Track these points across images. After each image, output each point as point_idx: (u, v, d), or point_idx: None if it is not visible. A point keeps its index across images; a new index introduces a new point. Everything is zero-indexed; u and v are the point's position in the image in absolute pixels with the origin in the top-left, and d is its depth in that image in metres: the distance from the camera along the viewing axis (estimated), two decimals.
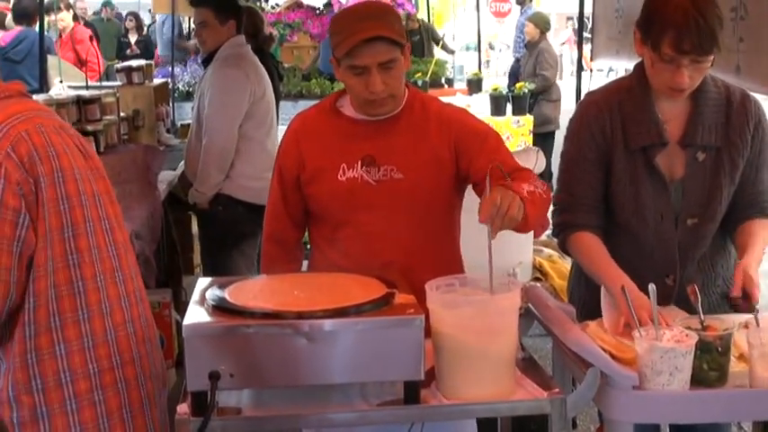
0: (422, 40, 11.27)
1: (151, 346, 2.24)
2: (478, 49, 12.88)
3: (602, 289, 2.59)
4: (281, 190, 2.80)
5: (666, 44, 2.49)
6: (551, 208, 2.82)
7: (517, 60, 12.38)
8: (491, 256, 2.19)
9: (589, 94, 2.94)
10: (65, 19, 9.51)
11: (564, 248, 2.85)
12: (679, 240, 2.70)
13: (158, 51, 12.19)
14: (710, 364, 2.26)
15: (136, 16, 13.68)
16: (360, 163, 2.67)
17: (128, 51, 12.54)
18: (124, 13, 15.15)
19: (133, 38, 13.25)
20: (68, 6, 9.50)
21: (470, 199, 3.80)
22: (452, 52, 12.91)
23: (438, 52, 11.24)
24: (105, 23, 13.60)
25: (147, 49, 12.87)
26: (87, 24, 11.88)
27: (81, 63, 8.36)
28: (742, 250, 2.67)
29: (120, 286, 2.16)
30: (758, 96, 2.87)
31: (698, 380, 2.26)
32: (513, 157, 2.71)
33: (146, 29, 14.27)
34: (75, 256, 2.04)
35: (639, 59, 2.75)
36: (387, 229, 2.66)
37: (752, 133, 2.70)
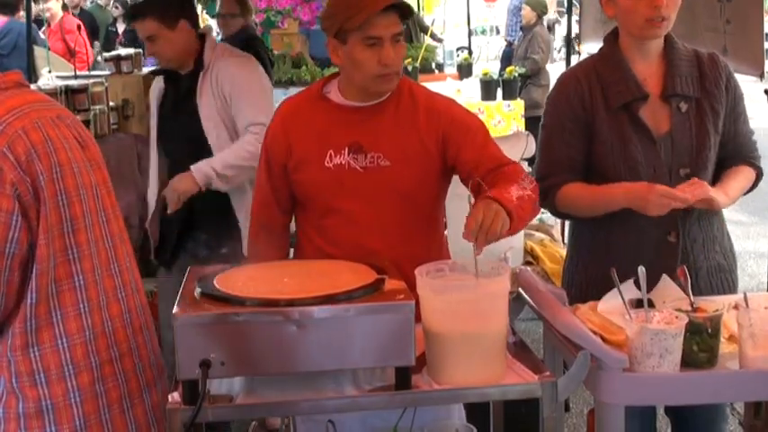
0: (408, 28, 11.25)
1: (149, 334, 2.25)
2: (468, 33, 12.87)
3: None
4: (269, 176, 2.80)
5: None
6: (535, 177, 2.83)
7: (509, 44, 12.37)
8: (477, 267, 2.20)
9: (565, 71, 3.04)
10: (53, 8, 9.46)
11: (555, 211, 2.90)
12: None
13: None
14: (700, 345, 2.27)
15: (123, 3, 12.67)
16: (347, 150, 2.66)
17: (116, 42, 11.66)
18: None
19: (121, 27, 12.23)
20: None
21: (461, 185, 3.79)
22: (441, 41, 12.87)
23: (426, 40, 11.23)
24: (103, 11, 13.00)
25: (136, 38, 12.03)
26: (83, 13, 11.71)
27: (71, 53, 8.34)
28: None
29: (117, 278, 2.16)
30: (745, 78, 2.91)
31: (688, 361, 2.26)
32: (500, 149, 2.71)
33: None
34: (75, 251, 2.05)
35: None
36: (373, 216, 2.67)
37: (725, 84, 2.82)
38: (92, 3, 12.89)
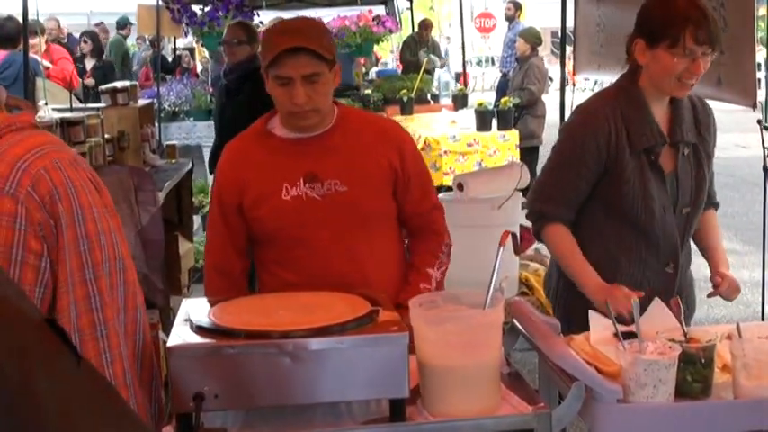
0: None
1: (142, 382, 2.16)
2: (463, 65, 12.94)
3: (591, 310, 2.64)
4: (223, 219, 2.81)
5: (689, 38, 2.75)
6: (530, 194, 3.07)
7: (504, 75, 12.44)
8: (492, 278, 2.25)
9: (587, 104, 3.07)
10: (37, 42, 9.51)
11: (538, 236, 3.05)
12: (678, 229, 2.96)
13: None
14: (694, 375, 2.27)
15: (92, 37, 12.14)
16: (302, 180, 2.71)
17: (83, 79, 10.70)
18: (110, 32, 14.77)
19: (90, 63, 11.58)
20: (42, 30, 9.48)
21: (459, 216, 3.85)
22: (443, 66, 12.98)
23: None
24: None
25: (105, 76, 10.63)
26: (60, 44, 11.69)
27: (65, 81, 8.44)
28: (711, 250, 3.11)
29: (121, 327, 2.09)
30: (736, 108, 2.97)
31: (682, 392, 2.27)
32: (434, 188, 2.98)
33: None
34: (98, 299, 1.95)
35: (620, 73, 2.99)
36: (337, 242, 2.72)
37: (713, 130, 3.05)
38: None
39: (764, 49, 12.92)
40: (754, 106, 3.83)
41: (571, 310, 2.95)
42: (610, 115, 2.91)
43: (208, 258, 2.91)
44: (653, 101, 2.92)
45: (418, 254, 2.89)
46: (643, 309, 2.53)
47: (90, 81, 10.62)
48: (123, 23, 13.90)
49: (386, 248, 2.84)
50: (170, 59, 14.62)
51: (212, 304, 2.26)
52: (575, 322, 2.74)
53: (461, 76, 12.88)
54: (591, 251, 2.96)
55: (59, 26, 12.06)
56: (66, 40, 12.22)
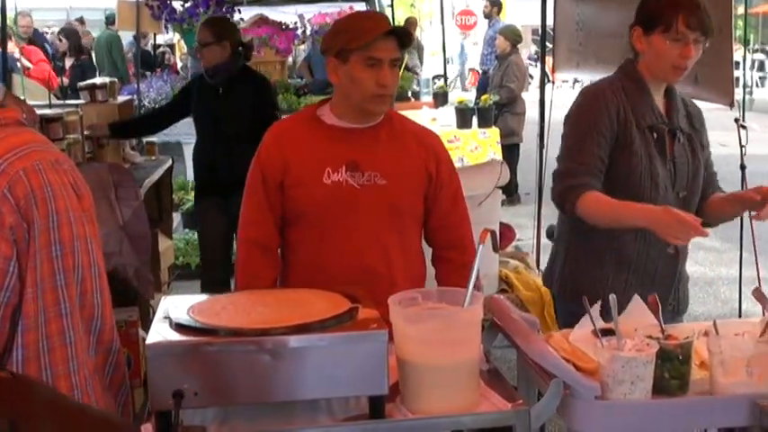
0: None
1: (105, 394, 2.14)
2: (444, 62, 12.95)
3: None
4: (265, 193, 2.86)
5: (681, 22, 2.91)
6: (554, 180, 3.07)
7: (485, 73, 12.46)
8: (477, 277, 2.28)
9: (592, 86, 3.22)
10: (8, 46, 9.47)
11: (571, 213, 3.00)
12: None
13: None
14: (672, 372, 2.28)
15: (68, 34, 11.84)
16: (344, 167, 2.78)
17: (61, 79, 10.51)
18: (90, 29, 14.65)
19: (69, 62, 11.37)
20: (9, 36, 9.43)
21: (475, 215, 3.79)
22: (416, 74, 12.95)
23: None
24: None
25: (84, 75, 10.30)
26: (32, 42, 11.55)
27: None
28: (727, 198, 3.16)
29: (93, 336, 2.07)
30: (715, 106, 3.00)
31: (660, 389, 2.28)
32: (466, 210, 2.99)
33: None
34: (67, 305, 1.91)
35: (599, 71, 2.96)
36: (369, 232, 2.80)
37: (702, 122, 3.20)
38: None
39: (742, 48, 13.02)
40: (731, 105, 3.86)
41: (579, 293, 2.92)
42: (616, 92, 3.06)
43: (247, 233, 2.93)
44: (653, 88, 3.07)
45: None
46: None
47: (65, 81, 10.54)
48: (113, 19, 13.79)
49: (412, 247, 2.93)
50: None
51: (194, 301, 2.25)
52: (580, 309, 2.79)
53: (471, 74, 12.89)
54: (597, 233, 3.06)
55: (31, 23, 11.91)
56: (31, 34, 11.85)
